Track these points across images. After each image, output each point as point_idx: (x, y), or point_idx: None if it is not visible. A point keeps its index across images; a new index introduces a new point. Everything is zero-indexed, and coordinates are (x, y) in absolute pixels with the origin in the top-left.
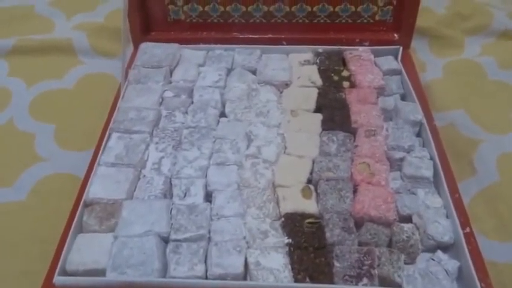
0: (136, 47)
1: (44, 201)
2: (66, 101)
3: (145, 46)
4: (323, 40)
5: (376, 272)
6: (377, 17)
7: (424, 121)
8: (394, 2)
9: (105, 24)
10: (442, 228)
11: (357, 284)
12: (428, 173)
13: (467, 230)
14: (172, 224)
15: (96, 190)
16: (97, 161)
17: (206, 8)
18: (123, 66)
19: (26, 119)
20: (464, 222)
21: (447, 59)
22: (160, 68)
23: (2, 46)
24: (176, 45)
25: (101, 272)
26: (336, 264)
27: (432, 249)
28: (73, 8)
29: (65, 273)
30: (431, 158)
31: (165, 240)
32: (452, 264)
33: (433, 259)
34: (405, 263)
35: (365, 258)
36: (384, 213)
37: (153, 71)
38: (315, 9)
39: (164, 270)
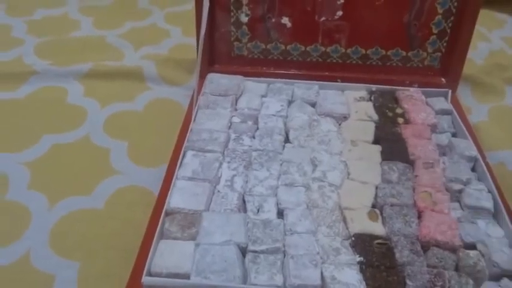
0: (201, 77)
1: (119, 211)
2: (137, 122)
3: (212, 76)
4: (374, 80)
5: None
6: (426, 62)
7: (479, 157)
8: (443, 50)
9: (169, 56)
10: (507, 257)
11: None
12: (488, 204)
13: None
14: (249, 236)
15: (176, 201)
16: (175, 175)
17: (268, 46)
18: (195, 92)
19: (101, 135)
20: None
21: (490, 104)
22: (227, 96)
23: (79, 70)
24: (240, 76)
25: (183, 276)
26: (409, 282)
27: (496, 277)
28: (140, 41)
29: (149, 275)
30: (490, 191)
31: (242, 251)
32: None
33: (500, 286)
34: None
35: (436, 279)
36: (450, 239)
37: (221, 98)
38: (368, 52)
39: (244, 278)
